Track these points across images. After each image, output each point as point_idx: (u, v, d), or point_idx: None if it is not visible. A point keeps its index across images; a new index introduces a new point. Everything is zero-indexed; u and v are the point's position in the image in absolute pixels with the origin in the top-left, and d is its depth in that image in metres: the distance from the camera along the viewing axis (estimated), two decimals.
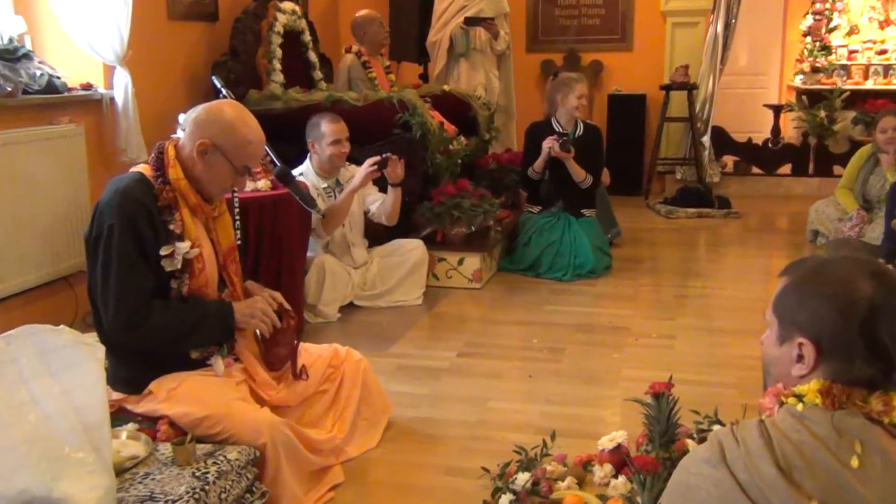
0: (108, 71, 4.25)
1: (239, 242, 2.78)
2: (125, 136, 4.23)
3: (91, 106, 4.24)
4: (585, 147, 5.25)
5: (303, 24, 5.74)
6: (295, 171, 4.35)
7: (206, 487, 2.06)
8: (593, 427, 2.99)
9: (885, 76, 8.16)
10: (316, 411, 2.78)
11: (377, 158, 4.30)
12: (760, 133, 8.28)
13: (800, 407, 1.36)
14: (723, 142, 8.15)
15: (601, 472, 2.51)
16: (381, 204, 4.56)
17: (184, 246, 2.40)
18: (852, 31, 8.28)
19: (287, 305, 2.72)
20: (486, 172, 5.84)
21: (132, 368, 2.45)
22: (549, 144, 5.08)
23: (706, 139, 7.86)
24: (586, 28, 8.42)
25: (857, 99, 7.87)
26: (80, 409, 1.88)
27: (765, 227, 6.88)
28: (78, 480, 1.82)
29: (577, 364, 3.70)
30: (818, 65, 8.22)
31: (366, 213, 4.67)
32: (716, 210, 7.08)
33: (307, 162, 4.46)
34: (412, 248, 4.72)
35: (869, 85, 8.16)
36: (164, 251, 2.38)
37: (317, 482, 2.56)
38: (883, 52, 8.19)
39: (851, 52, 8.27)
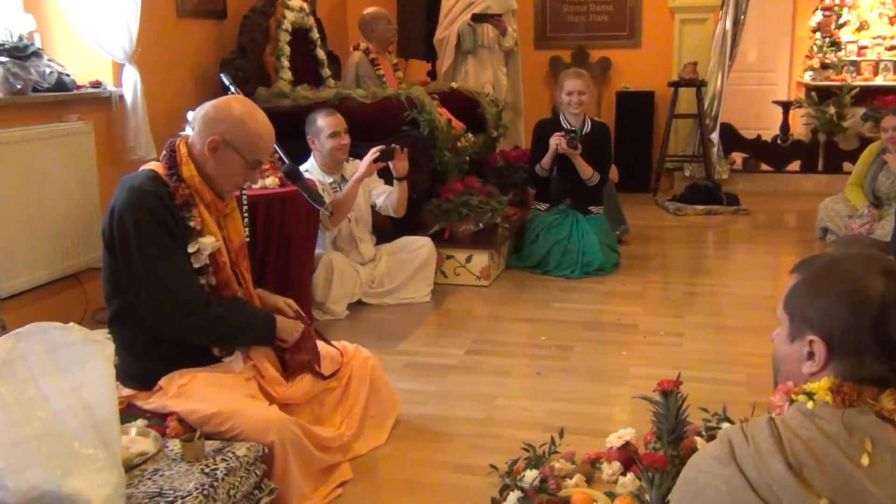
0: (117, 68, 4.26)
1: (247, 240, 2.80)
2: (134, 133, 4.24)
3: (100, 103, 4.25)
4: (593, 144, 5.24)
5: (311, 21, 5.74)
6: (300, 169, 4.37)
7: (215, 484, 2.06)
8: (601, 424, 2.99)
9: (895, 72, 8.12)
10: (324, 408, 2.78)
11: (381, 147, 4.29)
12: (769, 130, 8.25)
13: (810, 405, 1.36)
14: (731, 139, 8.13)
15: (609, 469, 2.51)
16: (387, 197, 4.56)
17: (207, 241, 2.43)
18: (862, 27, 8.24)
19: (302, 312, 2.77)
20: (493, 170, 5.84)
21: (142, 364, 2.47)
22: (555, 141, 5.07)
23: (715, 136, 7.84)
24: (594, 25, 8.40)
25: (867, 95, 7.83)
26: (90, 405, 1.89)
27: (774, 225, 6.86)
28: (87, 476, 1.82)
29: (585, 361, 3.70)
30: (828, 61, 8.18)
31: (372, 206, 4.67)
32: (724, 207, 7.06)
33: (311, 159, 4.46)
34: (420, 246, 4.72)
35: (879, 81, 8.12)
36: (190, 248, 2.40)
37: (325, 479, 2.56)
38: (893, 48, 8.15)
39: (861, 48, 8.24)
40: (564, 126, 5.25)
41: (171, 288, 2.38)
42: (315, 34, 5.81)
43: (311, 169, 4.41)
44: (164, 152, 2.50)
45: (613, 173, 5.68)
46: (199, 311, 2.41)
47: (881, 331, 1.33)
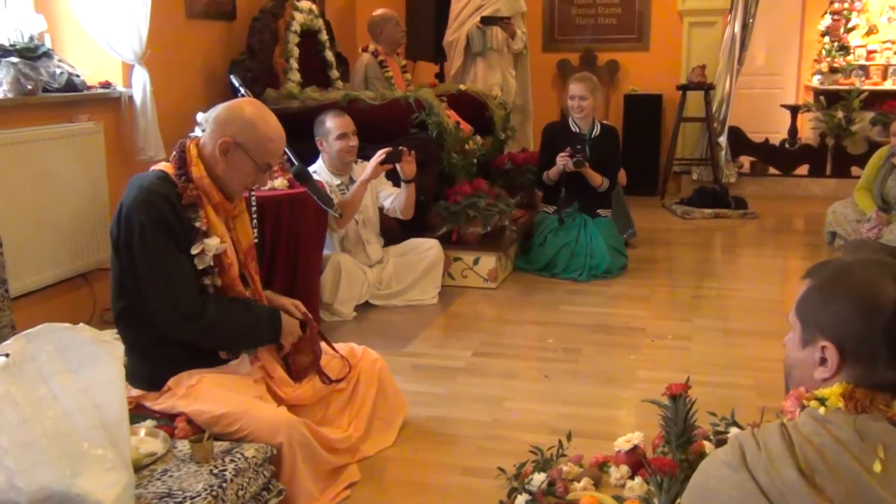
0: (127, 69, 4.28)
1: (255, 241, 2.80)
2: (143, 134, 4.25)
3: (110, 104, 4.26)
4: (602, 148, 5.24)
5: (320, 23, 5.75)
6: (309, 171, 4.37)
7: (224, 485, 2.07)
8: (609, 428, 2.98)
9: None
10: (332, 410, 2.79)
11: (388, 149, 4.30)
12: (777, 134, 8.24)
13: (822, 410, 1.36)
14: (739, 142, 8.11)
15: (617, 473, 2.50)
16: (394, 199, 4.56)
17: (212, 242, 2.43)
18: (871, 31, 8.22)
19: (309, 315, 2.76)
20: (501, 172, 5.84)
21: (151, 365, 2.47)
22: (562, 162, 5.08)
23: (723, 139, 7.82)
24: (603, 27, 8.40)
25: (876, 99, 7.82)
26: (100, 405, 1.89)
27: (781, 229, 6.84)
28: (97, 476, 1.83)
29: (592, 364, 3.70)
30: (836, 65, 8.16)
31: (380, 209, 4.67)
32: (732, 211, 7.05)
33: (319, 160, 4.47)
34: (428, 248, 4.72)
35: (888, 85, 8.11)
36: (194, 249, 2.41)
37: (333, 480, 2.57)
38: None
39: (870, 52, 8.21)
40: (573, 129, 5.26)
41: (169, 292, 2.38)
42: (324, 36, 5.82)
43: (319, 170, 4.41)
44: (174, 152, 2.51)
45: (621, 176, 5.67)
46: (195, 317, 2.42)
47: (894, 337, 1.33)
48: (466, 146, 5.19)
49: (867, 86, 8.00)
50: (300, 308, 2.77)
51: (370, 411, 2.86)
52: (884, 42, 8.18)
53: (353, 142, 4.39)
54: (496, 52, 6.53)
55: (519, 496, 2.41)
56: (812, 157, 8.03)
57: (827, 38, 8.26)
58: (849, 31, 8.23)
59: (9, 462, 1.77)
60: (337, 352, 2.87)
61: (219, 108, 2.55)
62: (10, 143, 3.59)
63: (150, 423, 2.35)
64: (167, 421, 2.39)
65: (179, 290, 2.40)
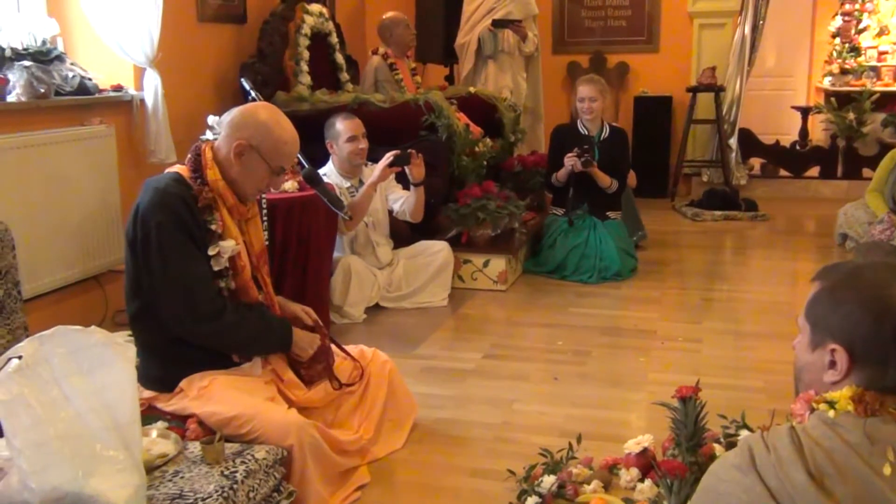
0: (139, 73, 4.30)
1: (266, 243, 2.82)
2: (155, 137, 4.27)
3: (121, 107, 4.29)
4: (611, 150, 5.24)
5: (330, 25, 5.77)
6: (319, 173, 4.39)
7: (235, 486, 2.08)
8: (619, 430, 2.98)
9: None
10: (342, 412, 2.80)
11: (396, 152, 4.30)
12: (788, 135, 8.21)
13: (831, 413, 1.35)
14: (750, 144, 8.09)
15: (627, 475, 2.50)
16: (404, 202, 4.56)
17: (228, 245, 2.45)
18: (882, 32, 8.17)
19: (320, 322, 2.78)
20: (511, 174, 5.84)
21: (163, 367, 2.49)
22: (570, 162, 5.08)
23: (733, 141, 7.80)
24: (612, 29, 8.40)
25: (887, 101, 7.78)
26: (112, 407, 1.90)
27: (792, 230, 6.82)
28: (109, 477, 1.84)
29: (602, 367, 3.70)
30: (847, 66, 8.13)
31: (390, 211, 4.68)
32: (743, 213, 7.03)
33: (329, 163, 4.48)
34: (438, 250, 4.73)
35: None
36: (210, 251, 2.42)
37: (343, 482, 2.58)
38: None
39: (881, 53, 8.17)
40: (582, 132, 5.26)
41: (187, 293, 2.40)
42: (334, 39, 5.84)
43: (329, 173, 4.42)
44: (188, 155, 2.53)
45: (631, 178, 5.67)
46: (214, 317, 2.44)
47: None
48: (476, 149, 5.19)
49: (878, 87, 7.96)
50: (311, 315, 2.78)
51: (380, 413, 2.87)
52: (895, 43, 8.14)
53: (363, 144, 4.40)
54: (507, 55, 6.53)
55: (529, 498, 2.41)
56: (823, 158, 8.00)
57: (838, 40, 8.22)
58: (860, 32, 8.19)
59: (22, 463, 1.79)
60: (348, 354, 2.88)
61: (234, 112, 2.57)
62: (23, 146, 3.62)
63: (161, 424, 2.36)
64: (179, 422, 2.41)
65: (197, 290, 2.41)
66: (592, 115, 5.22)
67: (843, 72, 8.14)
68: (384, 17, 5.97)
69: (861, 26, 8.19)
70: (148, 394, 2.49)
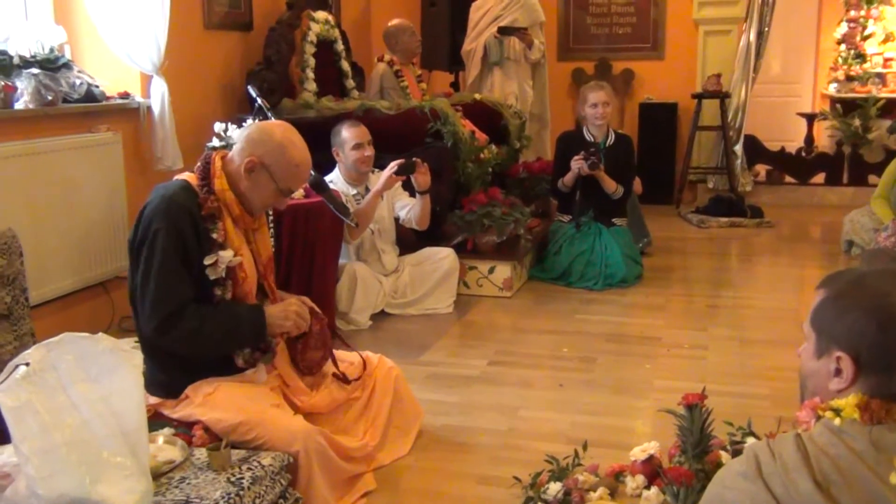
0: (146, 80, 4.32)
1: (272, 251, 2.83)
2: (161, 143, 4.29)
3: (128, 114, 4.31)
4: (616, 156, 5.24)
5: (336, 33, 5.79)
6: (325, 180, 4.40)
7: (241, 493, 2.08)
8: (625, 437, 2.98)
9: None
10: (348, 418, 2.80)
11: (401, 161, 4.31)
12: (794, 142, 8.21)
13: (837, 421, 1.35)
14: (755, 150, 8.09)
15: (633, 483, 2.50)
16: (410, 210, 4.57)
17: (226, 255, 2.45)
18: (888, 38, 8.17)
19: (317, 308, 2.76)
20: (516, 181, 5.85)
21: (169, 373, 2.49)
22: (577, 165, 5.08)
23: (738, 148, 7.81)
24: (617, 36, 8.40)
25: (893, 107, 7.78)
26: (118, 413, 1.91)
27: (798, 237, 6.81)
28: (116, 484, 1.85)
29: (608, 374, 3.69)
30: (853, 73, 8.13)
31: (396, 219, 4.69)
32: (748, 219, 7.02)
33: (336, 170, 4.49)
34: (443, 257, 4.73)
35: None
36: (207, 260, 2.42)
37: (349, 489, 2.58)
38: None
39: (887, 60, 8.17)
40: (588, 139, 5.26)
41: (154, 304, 2.38)
42: (340, 46, 5.86)
43: (335, 180, 4.43)
44: (198, 163, 2.54)
45: (638, 185, 5.67)
46: (172, 327, 2.39)
47: None
48: (481, 155, 5.20)
49: (884, 94, 7.95)
50: (307, 303, 2.71)
51: (386, 420, 2.87)
52: None
53: (369, 152, 4.41)
54: (513, 62, 6.54)
55: None
56: (828, 165, 7.98)
57: (843, 46, 8.22)
58: (865, 38, 8.19)
59: (30, 469, 1.80)
60: (350, 347, 2.90)
61: (251, 127, 2.60)
62: (31, 153, 3.64)
63: (168, 430, 2.36)
64: (185, 429, 2.41)
65: (162, 301, 2.38)
66: (605, 120, 5.24)
67: (849, 78, 8.14)
68: (390, 24, 5.99)
69: (866, 33, 8.19)
70: (154, 400, 2.50)
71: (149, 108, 4.31)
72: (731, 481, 1.37)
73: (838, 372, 1.40)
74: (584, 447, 2.65)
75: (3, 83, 3.64)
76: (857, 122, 7.69)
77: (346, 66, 5.92)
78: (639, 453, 2.55)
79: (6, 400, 1.79)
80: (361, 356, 2.90)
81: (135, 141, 4.34)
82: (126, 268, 3.47)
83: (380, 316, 4.54)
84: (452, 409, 3.31)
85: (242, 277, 2.51)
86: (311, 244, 3.92)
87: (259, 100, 3.96)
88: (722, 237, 6.68)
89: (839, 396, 1.39)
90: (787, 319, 4.39)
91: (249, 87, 4.16)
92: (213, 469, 2.17)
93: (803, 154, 8.06)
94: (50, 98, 3.76)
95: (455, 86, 7.18)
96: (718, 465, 2.35)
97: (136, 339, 2.52)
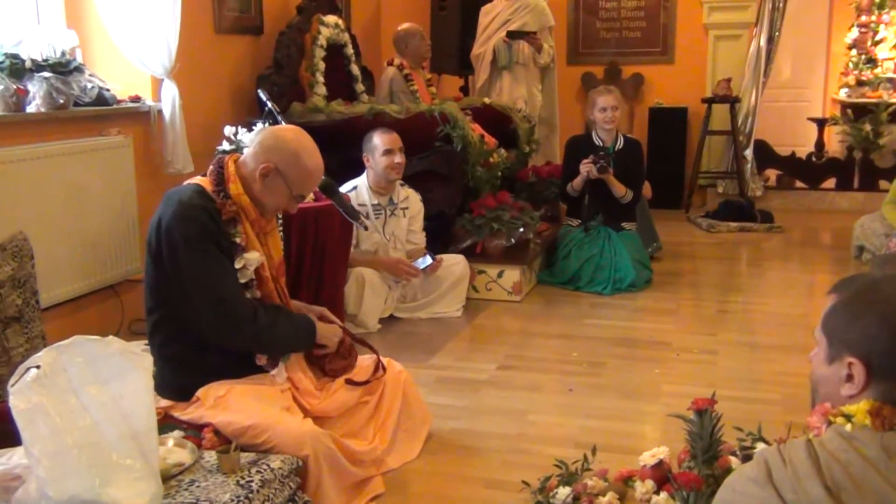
0: (157, 84, 4.33)
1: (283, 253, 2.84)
2: (172, 147, 4.30)
3: (139, 118, 4.32)
4: (626, 161, 5.24)
5: (345, 37, 5.80)
6: (349, 185, 4.43)
7: (250, 496, 2.08)
8: (634, 442, 2.97)
9: None
10: (357, 422, 2.80)
11: (418, 269, 4.51)
12: (804, 147, 8.18)
13: (848, 427, 1.35)
14: (765, 155, 8.06)
15: (643, 488, 2.49)
16: (415, 244, 4.69)
17: (252, 256, 2.50)
18: None
19: (337, 320, 2.85)
20: (525, 185, 5.85)
21: (179, 376, 2.51)
22: (586, 168, 5.08)
23: (749, 152, 7.78)
24: (627, 41, 8.39)
25: None
26: (128, 416, 1.91)
27: (808, 242, 6.79)
28: (125, 486, 1.85)
29: (617, 378, 3.69)
30: (864, 78, 8.09)
31: None
32: (758, 224, 7.00)
33: (363, 176, 4.51)
34: (454, 263, 4.74)
35: None
36: (237, 264, 2.47)
37: (358, 493, 2.58)
38: None
39: None
40: (597, 143, 5.26)
41: (222, 302, 2.45)
42: (349, 50, 5.87)
43: (360, 186, 4.47)
44: (211, 168, 2.56)
45: (647, 189, 5.66)
46: (249, 321, 2.48)
47: None
48: (491, 159, 5.20)
49: (895, 98, 7.92)
50: (327, 316, 2.84)
51: (395, 423, 2.88)
52: None
53: (399, 159, 4.44)
54: (522, 66, 6.54)
55: None
56: (839, 170, 7.96)
57: (854, 51, 8.19)
58: (876, 43, 8.15)
59: (40, 471, 1.80)
60: (365, 344, 2.94)
61: (266, 132, 2.64)
62: (42, 156, 3.65)
63: (177, 433, 2.37)
64: (195, 432, 2.42)
65: (231, 298, 2.46)
66: (615, 124, 5.24)
67: (860, 83, 8.10)
68: (399, 28, 6.00)
69: (877, 38, 8.14)
70: (164, 403, 2.51)
71: (159, 112, 4.33)
72: (741, 486, 1.36)
73: (850, 378, 1.39)
74: (594, 452, 2.65)
75: (14, 87, 3.65)
76: (867, 127, 7.67)
77: (355, 69, 5.93)
78: (648, 458, 2.54)
79: (17, 402, 1.80)
80: (380, 360, 2.92)
81: (145, 144, 4.36)
82: (137, 270, 3.47)
83: (389, 319, 4.54)
84: (461, 413, 3.31)
85: (266, 278, 2.57)
86: (321, 247, 3.93)
87: (269, 104, 3.97)
88: (732, 242, 6.67)
89: (850, 402, 1.39)
90: (797, 324, 4.38)
91: (259, 90, 4.17)
92: (223, 472, 2.17)
93: (814, 159, 8.04)
94: (61, 102, 3.77)
95: (464, 90, 7.19)
96: (728, 470, 2.34)
97: (146, 341, 2.54)
